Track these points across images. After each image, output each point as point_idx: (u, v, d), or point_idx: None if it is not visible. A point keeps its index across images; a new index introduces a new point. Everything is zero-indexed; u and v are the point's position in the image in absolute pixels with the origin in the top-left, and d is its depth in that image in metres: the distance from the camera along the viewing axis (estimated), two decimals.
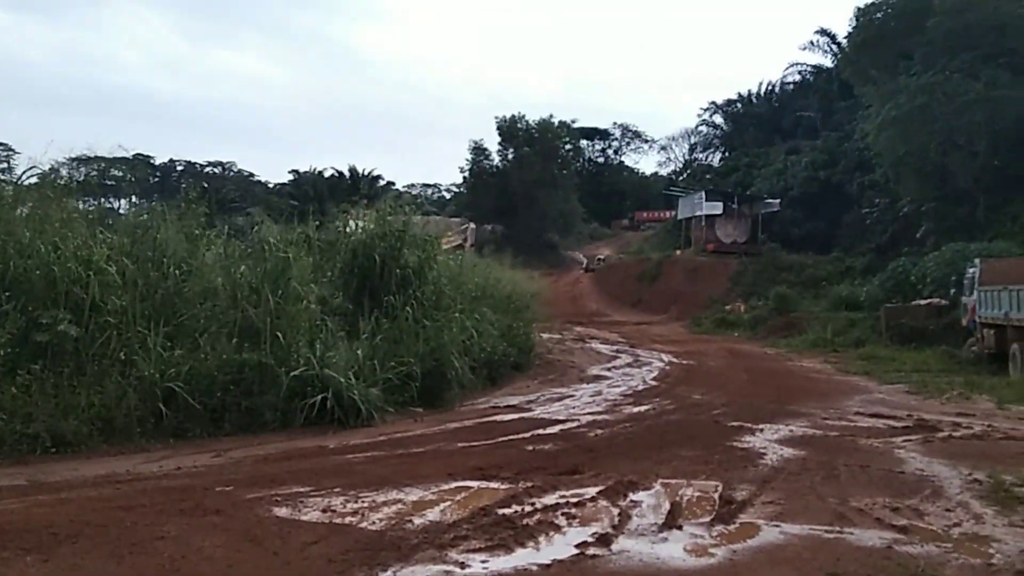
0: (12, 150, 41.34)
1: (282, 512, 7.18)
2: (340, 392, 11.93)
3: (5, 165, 19.71)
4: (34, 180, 12.97)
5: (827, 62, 64.82)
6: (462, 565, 5.79)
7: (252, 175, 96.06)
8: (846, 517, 7.27)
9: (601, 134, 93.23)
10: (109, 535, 6.31)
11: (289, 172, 71.02)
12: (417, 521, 6.91)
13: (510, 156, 69.62)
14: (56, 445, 9.47)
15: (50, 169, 13.60)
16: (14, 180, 13.41)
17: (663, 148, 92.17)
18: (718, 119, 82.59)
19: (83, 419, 9.83)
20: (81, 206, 14.31)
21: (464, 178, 73.09)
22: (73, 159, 14.83)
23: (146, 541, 6.17)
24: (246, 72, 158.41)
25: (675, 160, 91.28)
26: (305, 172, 67.70)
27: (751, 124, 75.67)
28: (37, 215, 11.80)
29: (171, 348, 11.25)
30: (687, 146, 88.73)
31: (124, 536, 6.29)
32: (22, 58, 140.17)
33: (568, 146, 74.54)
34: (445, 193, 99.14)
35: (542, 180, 66.39)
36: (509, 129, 69.34)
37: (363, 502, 7.53)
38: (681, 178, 77.16)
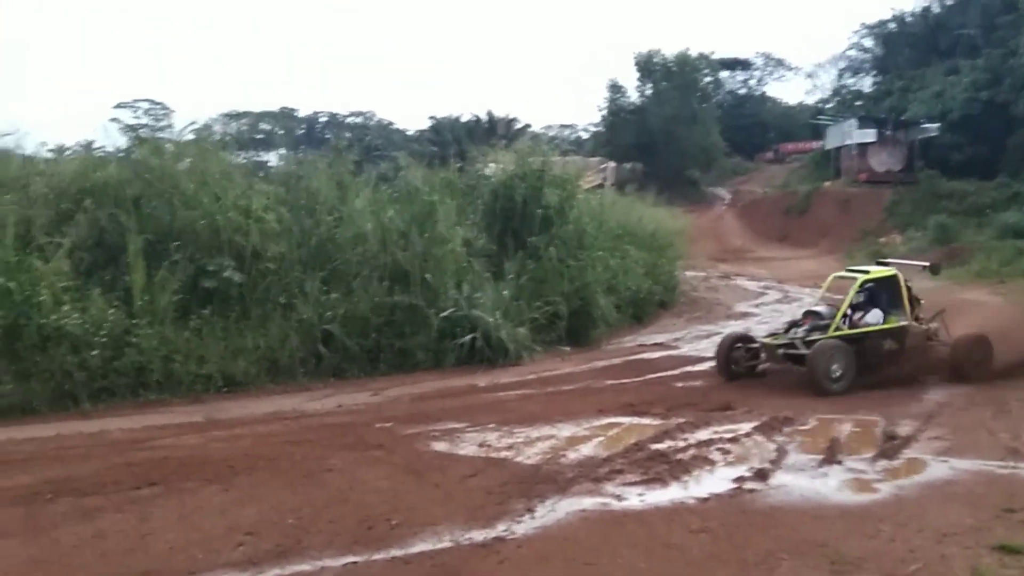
0: (168, 108, 43.66)
1: (440, 447, 7.41)
2: (488, 332, 12.14)
3: (165, 123, 20.82)
4: (191, 136, 13.63)
5: None
6: (618, 497, 5.84)
7: (391, 123, 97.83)
8: (1020, 452, 6.94)
9: (742, 64, 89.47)
10: (281, 467, 6.68)
11: (428, 119, 71.69)
12: (571, 455, 6.99)
13: (648, 92, 67.96)
14: (227, 384, 10.12)
15: (204, 125, 14.28)
16: (174, 137, 14.13)
17: (809, 76, 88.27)
18: (869, 42, 77.91)
19: (251, 360, 10.43)
20: (236, 159, 14.99)
21: (602, 117, 71.97)
22: (225, 114, 15.49)
23: (316, 473, 6.50)
24: (382, 21, 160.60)
25: (822, 88, 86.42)
26: (443, 118, 68.28)
27: (905, 45, 70.99)
28: (198, 169, 12.40)
29: (327, 292, 11.73)
30: (835, 72, 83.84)
31: (295, 468, 6.64)
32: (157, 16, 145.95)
33: (708, 79, 72.16)
34: (583, 133, 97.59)
35: (681, 115, 64.57)
36: (646, 64, 67.55)
37: (517, 437, 7.68)
38: (829, 106, 73.33)
